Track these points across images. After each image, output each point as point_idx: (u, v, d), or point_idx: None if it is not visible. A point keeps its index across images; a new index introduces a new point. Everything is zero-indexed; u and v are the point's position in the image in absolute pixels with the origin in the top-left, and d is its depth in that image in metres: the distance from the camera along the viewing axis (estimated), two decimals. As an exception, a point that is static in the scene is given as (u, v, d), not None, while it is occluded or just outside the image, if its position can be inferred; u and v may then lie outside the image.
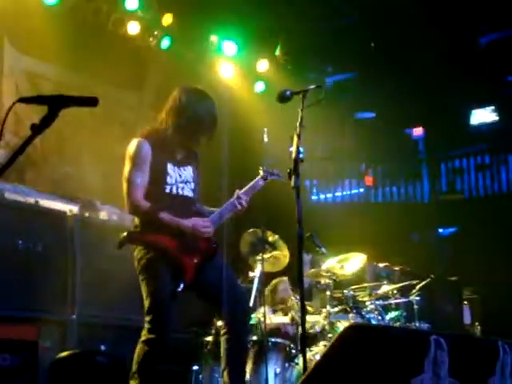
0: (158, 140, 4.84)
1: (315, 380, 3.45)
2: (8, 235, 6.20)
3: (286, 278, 7.47)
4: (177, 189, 4.87)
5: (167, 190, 4.82)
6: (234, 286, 4.96)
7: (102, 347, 5.90)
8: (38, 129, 2.25)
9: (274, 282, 7.48)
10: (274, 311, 7.28)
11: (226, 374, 4.81)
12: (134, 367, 4.55)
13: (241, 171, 9.86)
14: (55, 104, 2.27)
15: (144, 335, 4.60)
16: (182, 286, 4.64)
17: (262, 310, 6.32)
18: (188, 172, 5.00)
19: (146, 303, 4.63)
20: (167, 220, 4.69)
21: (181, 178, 4.91)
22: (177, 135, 4.87)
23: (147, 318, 4.61)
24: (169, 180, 4.83)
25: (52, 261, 6.32)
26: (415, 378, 3.40)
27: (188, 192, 4.95)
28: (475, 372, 3.80)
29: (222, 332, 4.90)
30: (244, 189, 5.17)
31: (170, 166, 4.86)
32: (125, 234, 4.78)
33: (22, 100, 2.33)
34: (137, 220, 4.82)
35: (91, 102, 2.32)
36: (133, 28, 8.66)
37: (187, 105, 4.90)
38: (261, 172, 5.31)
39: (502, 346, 4.00)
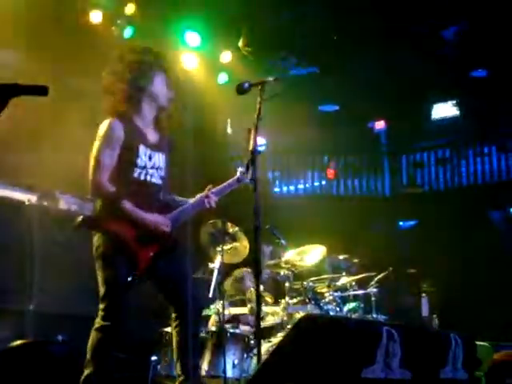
0: (130, 120, 4.81)
1: (270, 369, 3.49)
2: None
3: (246, 269, 7.49)
4: (145, 175, 4.82)
5: (135, 175, 4.77)
6: (187, 281, 4.96)
7: (60, 337, 5.85)
8: (-14, 117, 2.24)
9: (234, 272, 7.50)
10: (234, 302, 7.30)
11: (178, 366, 4.83)
12: (88, 355, 4.54)
13: (205, 162, 9.91)
14: (4, 93, 2.25)
15: (98, 322, 4.60)
16: (132, 276, 4.63)
17: (221, 301, 6.35)
18: (160, 158, 4.95)
19: (101, 290, 4.62)
20: (129, 210, 4.65)
21: (151, 163, 4.86)
22: (140, 104, 4.84)
23: (101, 306, 4.60)
24: (139, 162, 4.77)
25: (9, 250, 6.26)
26: (367, 368, 3.46)
27: (156, 179, 4.91)
28: (427, 363, 3.87)
29: (174, 325, 4.92)
30: (217, 188, 5.13)
31: (142, 149, 4.80)
32: (80, 218, 4.72)
33: (-31, 89, 2.30)
34: (98, 204, 4.78)
35: (41, 90, 2.30)
36: (95, 17, 8.59)
37: (135, 63, 4.85)
38: (238, 174, 5.14)
39: (454, 338, 4.08)
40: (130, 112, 4.85)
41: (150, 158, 4.86)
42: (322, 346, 3.37)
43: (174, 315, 4.93)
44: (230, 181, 5.19)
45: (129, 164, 4.76)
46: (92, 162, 4.70)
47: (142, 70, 4.86)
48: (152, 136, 4.95)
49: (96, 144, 4.73)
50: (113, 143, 4.70)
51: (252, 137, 4.23)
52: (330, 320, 4.06)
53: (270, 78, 4.44)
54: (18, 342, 4.57)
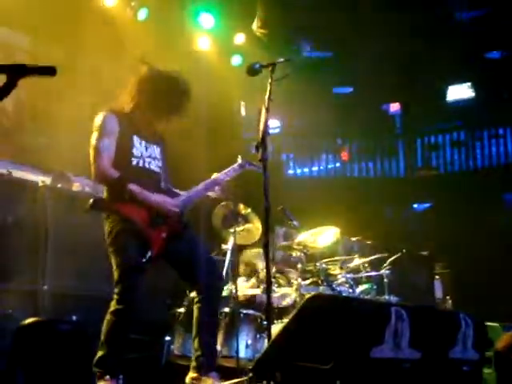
0: (124, 115, 4.86)
1: (277, 349, 3.51)
2: (-22, 205, 6.18)
3: (259, 250, 7.51)
4: (143, 162, 4.87)
5: (134, 163, 4.82)
6: (206, 258, 5.01)
7: (74, 318, 5.90)
8: (-4, 97, 2.26)
9: (246, 253, 7.52)
10: (249, 283, 7.32)
11: (196, 341, 4.86)
12: (102, 337, 4.58)
13: (219, 144, 9.93)
14: (13, 73, 2.28)
15: (112, 306, 4.62)
16: (146, 259, 4.66)
17: (234, 282, 6.38)
18: (155, 150, 5.01)
19: (115, 274, 4.65)
20: (136, 191, 4.69)
21: (147, 153, 4.91)
22: (145, 112, 4.90)
23: (115, 290, 4.63)
24: (135, 152, 4.83)
25: (24, 232, 6.30)
26: (376, 347, 3.47)
27: (155, 167, 4.96)
28: (436, 343, 3.88)
29: (195, 301, 4.95)
30: (221, 173, 5.18)
31: (136, 139, 4.86)
32: (92, 200, 4.77)
33: (-20, 69, 2.33)
34: (105, 191, 4.83)
35: (49, 71, 2.33)
36: (109, -1, 8.62)
37: (148, 83, 4.91)
38: (239, 160, 5.24)
39: (464, 319, 4.08)
40: (129, 109, 4.91)
41: (145, 148, 4.93)
42: (330, 326, 3.39)
43: (195, 293, 4.96)
44: (232, 167, 5.25)
45: (126, 153, 4.80)
46: (92, 152, 4.74)
47: (160, 86, 4.91)
48: (145, 130, 5.00)
49: (93, 134, 4.79)
50: (108, 133, 4.75)
51: (263, 117, 4.24)
52: (338, 300, 4.07)
53: (281, 59, 4.45)
54: (30, 320, 4.63)
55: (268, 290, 4.07)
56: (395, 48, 10.80)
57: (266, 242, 4.10)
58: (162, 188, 4.98)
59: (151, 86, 4.93)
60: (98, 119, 4.79)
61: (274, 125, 12.06)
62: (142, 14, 9.00)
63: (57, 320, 5.05)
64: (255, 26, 9.73)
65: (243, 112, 11.52)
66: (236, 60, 10.25)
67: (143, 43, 8.84)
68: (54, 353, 4.51)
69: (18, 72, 2.29)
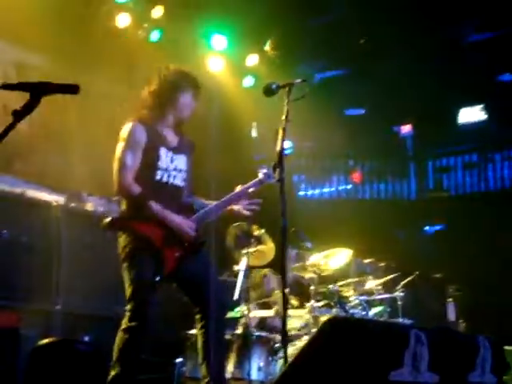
0: (151, 125, 4.87)
1: (295, 373, 3.47)
2: (-7, 225, 6.19)
3: (270, 272, 7.48)
4: (168, 177, 4.88)
5: (158, 177, 4.83)
6: (215, 282, 4.98)
7: (86, 338, 5.90)
8: (19, 115, 2.26)
9: (258, 275, 7.49)
10: (259, 305, 7.29)
11: (204, 367, 4.83)
12: (115, 356, 4.56)
13: (230, 166, 9.92)
14: (37, 91, 2.28)
15: (124, 323, 4.61)
16: (159, 277, 4.65)
17: (246, 303, 6.34)
18: (181, 160, 5.01)
19: (128, 291, 4.64)
20: (156, 209, 4.69)
21: (173, 165, 4.92)
22: (165, 115, 4.92)
23: (128, 307, 4.62)
24: (160, 164, 4.83)
25: (37, 251, 6.31)
26: (395, 371, 3.43)
27: (179, 181, 4.96)
28: (455, 367, 3.84)
29: (199, 326, 4.93)
30: (238, 189, 5.16)
31: (163, 151, 4.87)
32: (109, 218, 4.76)
33: (3, 87, 2.34)
34: (124, 205, 4.82)
35: (72, 89, 2.33)
36: (122, 20, 8.64)
37: (169, 83, 4.95)
38: (260, 175, 5.17)
39: (483, 342, 4.04)
40: (152, 117, 4.92)
41: (171, 161, 4.93)
42: (348, 349, 3.35)
43: (198, 316, 4.94)
44: (252, 182, 5.20)
45: (151, 166, 4.81)
46: (116, 164, 4.75)
47: (171, 87, 4.97)
48: (173, 139, 5.02)
49: (119, 146, 4.80)
50: (135, 145, 4.77)
51: (280, 138, 4.23)
52: (356, 322, 4.03)
53: (298, 80, 4.45)
54: (48, 340, 4.61)
55: (284, 312, 4.03)
56: (407, 70, 10.79)
57: (283, 263, 4.07)
58: (183, 202, 4.98)
59: (168, 80, 4.97)
60: (126, 129, 4.80)
61: (286, 146, 12.02)
62: (155, 35, 9.03)
63: (74, 340, 5.04)
64: (268, 47, 9.74)
65: (254, 133, 11.52)
66: (248, 81, 10.26)
67: (155, 64, 8.85)
68: (71, 373, 4.49)
69: (41, 90, 2.28)
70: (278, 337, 6.46)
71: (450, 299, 9.26)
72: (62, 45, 8.08)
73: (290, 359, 4.21)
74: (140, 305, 4.61)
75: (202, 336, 4.87)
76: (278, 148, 4.19)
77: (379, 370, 3.41)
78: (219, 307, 4.92)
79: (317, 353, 3.39)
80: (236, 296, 6.54)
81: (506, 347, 4.84)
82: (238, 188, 5.14)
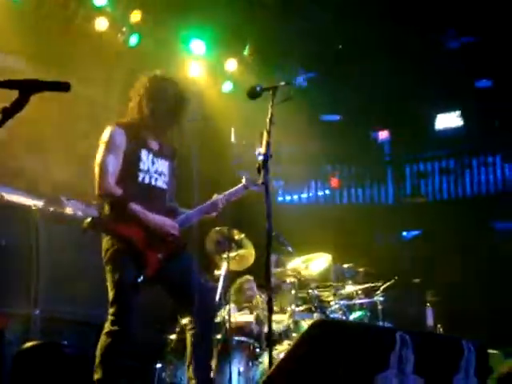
0: (132, 128, 4.84)
1: (281, 375, 3.45)
2: (-29, 228, 6.12)
3: (251, 277, 7.46)
4: (150, 178, 4.86)
5: (139, 179, 4.80)
6: (200, 283, 4.96)
7: (65, 343, 5.83)
8: (8, 113, 2.22)
9: (239, 280, 7.47)
10: (239, 310, 7.27)
11: (190, 369, 4.81)
12: (97, 360, 4.53)
13: (208, 171, 9.91)
14: (26, 88, 2.24)
15: (107, 327, 4.58)
16: (141, 279, 4.61)
17: (226, 308, 6.32)
18: (163, 164, 5.00)
19: (111, 294, 4.61)
20: (138, 211, 4.66)
21: (154, 168, 4.90)
22: (148, 121, 4.89)
23: (111, 310, 4.59)
24: (142, 166, 4.81)
25: (16, 255, 6.25)
26: (380, 373, 3.42)
27: (161, 184, 4.94)
28: (440, 369, 3.83)
29: (188, 328, 4.89)
30: (223, 194, 5.14)
31: (143, 153, 4.85)
32: (89, 219, 4.72)
33: (-9, 84, 2.29)
34: (106, 207, 4.78)
35: (63, 86, 2.29)
36: (101, 24, 8.58)
37: (154, 90, 4.91)
38: (243, 181, 5.19)
39: (467, 345, 4.04)
40: (133, 121, 4.89)
41: (152, 163, 4.90)
42: (334, 351, 3.34)
43: (185, 319, 4.90)
44: (237, 187, 5.21)
45: (132, 168, 4.80)
46: (97, 168, 4.72)
47: (156, 95, 4.92)
48: (153, 143, 4.99)
49: (99, 150, 4.77)
50: (115, 149, 4.76)
51: (264, 140, 4.22)
52: (342, 325, 4.03)
53: (282, 83, 4.45)
54: (33, 343, 4.56)
55: (269, 317, 4.01)
56: (384, 75, 10.85)
57: (267, 267, 4.05)
58: (166, 206, 4.95)
59: (155, 87, 4.93)
60: (106, 133, 4.77)
61: (263, 152, 12.02)
62: (133, 39, 8.98)
63: (60, 343, 4.98)
64: (247, 52, 9.74)
65: (233, 139, 11.51)
66: (227, 86, 10.24)
67: (134, 69, 8.82)
68: (56, 377, 4.44)
69: (30, 88, 2.25)
70: (258, 342, 6.46)
71: (428, 304, 9.29)
72: (41, 49, 8.02)
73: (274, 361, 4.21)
74: (123, 308, 4.58)
75: (191, 337, 4.84)
76: (263, 150, 4.17)
77: (365, 372, 3.40)
78: (206, 309, 4.90)
79: (303, 355, 3.38)
80: (216, 301, 6.51)
81: (491, 351, 4.87)
82: (215, 197, 5.10)
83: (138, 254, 4.65)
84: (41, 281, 6.29)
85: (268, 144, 4.20)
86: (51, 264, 6.43)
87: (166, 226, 4.79)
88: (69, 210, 7.18)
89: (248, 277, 7.49)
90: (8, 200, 6.70)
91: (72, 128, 8.32)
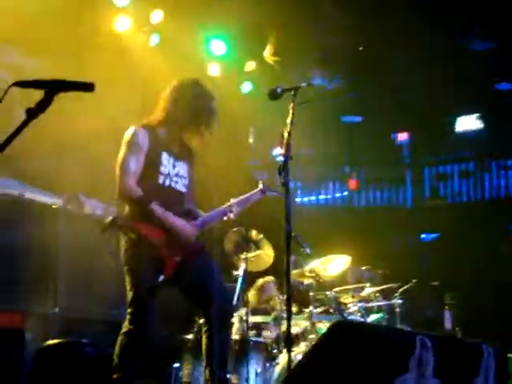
0: (155, 130, 4.84)
1: (300, 376, 3.45)
2: (-10, 227, 6.17)
3: (271, 278, 7.44)
4: (170, 181, 4.85)
5: (160, 181, 4.80)
6: (217, 284, 4.95)
7: (84, 341, 5.86)
8: (33, 113, 2.23)
9: (259, 281, 7.46)
10: (258, 310, 7.26)
11: (207, 371, 4.80)
12: (116, 359, 4.53)
13: (227, 171, 9.91)
14: (51, 88, 2.25)
15: (125, 326, 4.59)
16: (159, 280, 4.61)
17: (244, 309, 6.32)
18: (183, 167, 4.99)
19: (129, 295, 4.62)
20: (158, 212, 4.66)
21: (174, 171, 4.90)
22: (175, 126, 4.89)
23: (129, 310, 4.60)
24: (162, 169, 4.81)
25: (35, 254, 6.29)
26: (400, 376, 3.41)
27: (181, 187, 4.94)
28: (460, 373, 3.82)
29: (204, 329, 4.89)
30: (239, 198, 5.13)
31: (164, 156, 4.84)
32: (110, 218, 4.73)
33: (18, 84, 2.31)
34: (126, 207, 4.78)
35: (87, 87, 2.30)
36: (122, 24, 8.63)
37: (187, 97, 4.90)
38: (260, 185, 5.21)
39: (487, 349, 4.02)
40: (157, 123, 4.89)
41: (173, 166, 4.90)
42: (354, 353, 3.33)
43: (203, 320, 4.91)
44: (254, 192, 5.22)
45: (153, 171, 4.79)
46: (118, 168, 4.72)
47: (187, 104, 4.91)
48: (175, 145, 4.98)
49: (121, 150, 4.77)
50: (137, 149, 4.74)
51: (285, 141, 4.22)
52: (362, 327, 4.01)
53: (304, 84, 4.43)
54: (54, 341, 4.57)
55: (288, 318, 4.00)
56: (405, 78, 10.81)
57: (287, 269, 4.04)
58: (185, 209, 4.95)
59: (183, 92, 4.93)
60: (128, 134, 4.77)
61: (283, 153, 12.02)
62: (154, 39, 9.02)
63: (79, 342, 5.00)
64: (267, 53, 9.74)
65: (251, 139, 11.52)
66: (246, 87, 10.25)
67: (154, 69, 8.85)
68: (76, 375, 4.46)
69: (56, 87, 2.26)
70: (275, 342, 6.45)
71: (447, 307, 9.25)
72: (61, 49, 8.05)
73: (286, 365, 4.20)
74: (140, 309, 4.58)
75: (208, 339, 4.83)
76: (284, 152, 4.16)
77: (384, 375, 3.39)
78: (223, 309, 4.88)
79: (322, 356, 3.37)
80: (234, 301, 6.50)
81: (510, 355, 4.84)
82: (232, 200, 5.09)
83: (157, 256, 4.65)
84: (60, 280, 6.33)
85: (288, 145, 4.18)
86: (70, 263, 6.47)
87: (185, 228, 4.78)
88: (87, 209, 7.23)
89: (269, 277, 7.47)
90: (28, 198, 6.75)
91: (92, 128, 8.35)
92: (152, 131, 4.83)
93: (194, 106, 4.89)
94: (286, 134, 4.22)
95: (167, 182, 4.84)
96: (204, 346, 4.87)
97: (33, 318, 5.93)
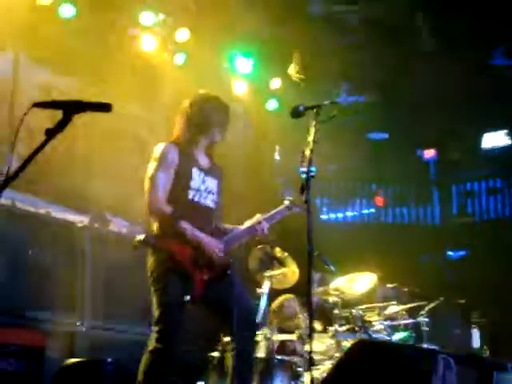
0: (183, 146, 4.89)
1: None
2: (18, 245, 6.24)
3: (292, 296, 7.42)
4: (200, 197, 4.88)
5: (190, 197, 4.83)
6: (244, 303, 4.93)
7: (109, 360, 5.88)
8: (51, 133, 2.26)
9: (280, 299, 7.44)
10: (281, 329, 7.23)
11: None
12: (140, 377, 4.54)
13: (253, 189, 9.93)
14: (69, 109, 2.28)
15: (151, 345, 4.59)
16: (187, 299, 4.62)
17: (268, 327, 6.30)
18: (212, 183, 5.02)
19: (156, 313, 4.63)
20: (187, 230, 4.68)
21: (204, 186, 4.93)
22: (196, 140, 4.93)
23: (155, 328, 4.60)
24: (192, 184, 4.84)
25: (61, 271, 6.35)
26: (423, 396, 3.39)
27: (210, 203, 4.97)
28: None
29: (230, 348, 4.88)
30: (267, 215, 5.14)
31: (195, 171, 4.88)
32: (141, 236, 4.75)
33: (37, 105, 2.35)
34: (155, 226, 4.81)
35: (105, 107, 2.33)
36: (148, 43, 8.71)
37: (197, 111, 4.96)
38: (286, 202, 5.21)
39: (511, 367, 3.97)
40: (184, 140, 4.94)
41: (203, 182, 4.94)
42: (376, 372, 3.32)
43: (228, 339, 4.90)
44: (280, 208, 5.22)
45: (183, 186, 4.82)
46: (147, 184, 4.76)
47: (204, 114, 4.98)
48: (204, 161, 5.03)
49: (151, 165, 4.81)
50: (167, 165, 4.79)
51: (307, 159, 4.22)
52: (384, 346, 4.00)
53: (326, 102, 4.44)
54: (74, 360, 4.60)
55: (310, 336, 3.99)
56: (431, 94, 10.78)
57: (308, 287, 4.03)
58: (213, 225, 4.96)
59: (200, 105, 5.00)
60: (158, 149, 4.82)
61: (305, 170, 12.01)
62: (180, 58, 9.08)
63: (101, 360, 5.02)
64: (292, 70, 9.76)
65: (277, 156, 11.53)
66: (272, 104, 10.29)
67: (180, 88, 8.91)
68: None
69: (74, 108, 2.29)
70: (300, 361, 6.41)
71: (474, 326, 9.16)
72: (89, 68, 8.15)
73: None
74: (168, 327, 4.59)
75: (232, 359, 4.81)
76: (305, 169, 4.16)
77: (407, 394, 3.37)
78: (248, 327, 4.87)
79: (344, 375, 3.36)
80: (258, 319, 6.49)
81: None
82: (258, 216, 5.09)
83: (186, 274, 4.66)
84: (86, 297, 6.36)
85: (310, 163, 4.19)
86: (97, 281, 6.51)
87: (213, 246, 4.79)
88: (113, 227, 7.27)
89: (289, 295, 7.44)
90: (55, 217, 6.81)
91: (118, 146, 8.42)
92: (181, 147, 4.88)
93: (209, 116, 4.98)
94: (307, 152, 4.21)
95: (196, 198, 4.87)
96: (229, 365, 4.86)
97: (59, 335, 5.97)
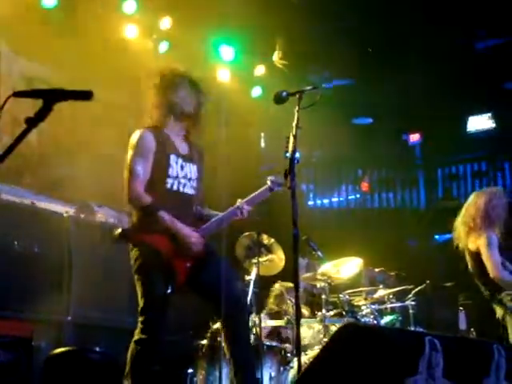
0: (160, 132, 4.83)
1: (310, 380, 3.45)
2: (4, 236, 6.22)
3: (284, 284, 7.45)
4: (178, 184, 4.83)
5: (168, 186, 4.78)
6: (232, 285, 4.93)
7: (97, 349, 5.89)
8: (32, 122, 2.25)
9: (273, 288, 7.47)
10: (270, 314, 7.26)
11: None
12: (127, 367, 4.55)
13: (237, 176, 9.91)
14: (50, 97, 2.27)
15: (137, 335, 4.60)
16: (171, 288, 4.62)
17: (257, 313, 6.32)
18: (192, 169, 4.96)
19: (140, 303, 4.63)
20: (166, 220, 4.66)
21: (183, 173, 4.87)
22: (172, 122, 4.88)
23: (140, 319, 4.61)
24: (170, 172, 4.79)
25: (48, 262, 6.34)
26: (409, 378, 3.40)
27: (189, 189, 4.91)
28: (470, 373, 3.80)
29: (224, 334, 4.84)
30: (247, 198, 5.07)
31: (172, 158, 4.82)
32: (119, 230, 4.74)
33: (17, 94, 2.34)
34: (134, 216, 4.79)
35: (86, 95, 2.32)
36: (130, 31, 8.66)
37: (163, 84, 4.90)
38: (268, 182, 5.09)
39: (497, 348, 4.00)
40: (159, 124, 4.87)
41: (181, 168, 4.88)
42: (363, 356, 3.33)
43: (222, 324, 4.86)
44: (260, 190, 5.12)
45: (161, 174, 4.78)
46: (126, 173, 4.72)
47: (166, 86, 4.91)
48: (182, 147, 4.98)
49: (129, 154, 4.77)
50: (145, 153, 4.74)
51: (291, 145, 4.21)
52: (371, 329, 4.00)
53: (308, 87, 4.44)
54: (62, 349, 4.60)
55: (297, 321, 4.01)
56: (415, 78, 10.78)
57: (295, 271, 4.04)
58: (194, 213, 4.94)
59: (169, 81, 4.91)
60: (135, 137, 4.77)
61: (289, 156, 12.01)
62: (163, 46, 9.04)
63: (87, 349, 5.03)
64: (276, 57, 9.74)
65: (262, 144, 11.53)
66: (256, 91, 10.27)
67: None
68: (84, 382, 4.49)
69: (54, 97, 2.28)
70: (290, 346, 6.45)
71: (461, 308, 9.20)
72: (71, 56, 8.09)
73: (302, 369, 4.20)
74: (152, 317, 4.59)
75: (228, 344, 4.78)
76: (289, 155, 4.16)
77: (394, 377, 3.38)
78: (239, 310, 4.86)
79: (331, 359, 3.37)
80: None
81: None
82: (239, 200, 5.05)
83: (167, 264, 4.65)
84: (73, 287, 6.36)
85: (294, 149, 4.18)
86: (83, 271, 6.50)
87: (191, 237, 4.75)
88: (100, 217, 7.26)
89: (282, 283, 7.45)
90: (40, 207, 6.79)
91: (102, 135, 8.38)
92: (158, 133, 4.83)
93: (179, 94, 4.89)
94: (291, 138, 4.21)
95: (175, 186, 4.82)
96: (227, 352, 4.78)
97: (46, 325, 5.97)
